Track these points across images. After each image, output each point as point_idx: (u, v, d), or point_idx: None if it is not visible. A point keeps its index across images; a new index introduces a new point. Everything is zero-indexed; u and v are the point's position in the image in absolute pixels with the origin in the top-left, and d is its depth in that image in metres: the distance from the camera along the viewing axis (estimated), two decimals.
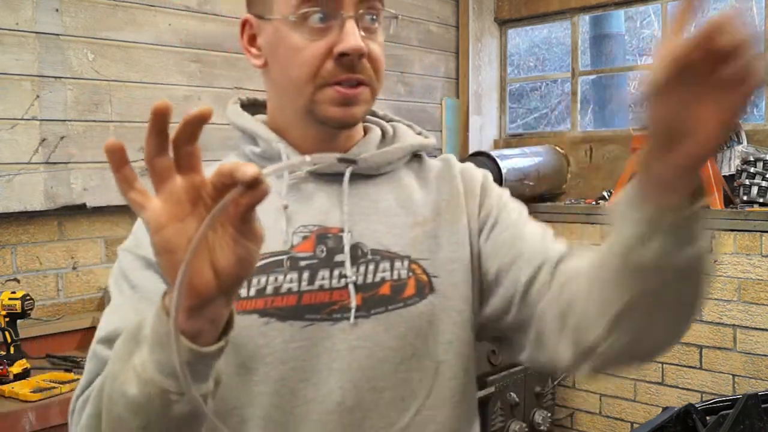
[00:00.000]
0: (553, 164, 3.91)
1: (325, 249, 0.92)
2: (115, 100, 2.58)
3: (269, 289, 0.90)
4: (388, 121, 1.07)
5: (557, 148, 4.02)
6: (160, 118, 0.58)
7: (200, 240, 0.58)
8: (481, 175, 1.04)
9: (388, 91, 3.60)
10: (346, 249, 0.92)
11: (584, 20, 4.37)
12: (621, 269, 0.76)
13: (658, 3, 3.75)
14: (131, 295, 0.89)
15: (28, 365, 2.08)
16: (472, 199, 1.00)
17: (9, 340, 2.07)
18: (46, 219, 2.45)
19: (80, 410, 0.81)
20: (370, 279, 0.92)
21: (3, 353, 2.08)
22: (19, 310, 2.05)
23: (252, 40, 0.96)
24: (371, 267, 0.93)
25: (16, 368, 2.04)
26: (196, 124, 0.59)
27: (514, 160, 3.70)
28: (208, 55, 2.87)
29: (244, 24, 0.96)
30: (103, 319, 0.89)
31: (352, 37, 0.86)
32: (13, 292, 2.07)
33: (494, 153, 3.66)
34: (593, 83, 5.17)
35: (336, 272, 0.91)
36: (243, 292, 0.90)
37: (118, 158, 0.59)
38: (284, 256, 0.91)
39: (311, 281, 0.91)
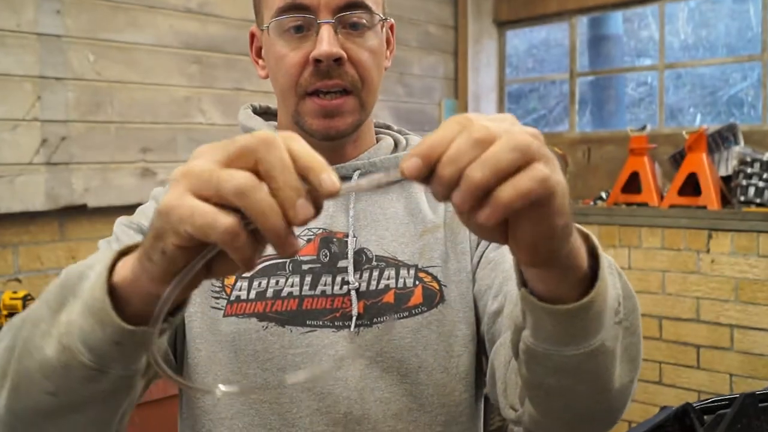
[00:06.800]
0: None
1: (328, 253, 0.90)
2: (116, 101, 2.58)
3: (270, 292, 0.87)
4: (402, 135, 1.05)
5: (555, 148, 4.03)
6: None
7: (186, 275, 0.50)
8: None
9: (387, 92, 3.61)
10: (350, 255, 0.89)
11: (582, 22, 4.38)
12: (516, 349, 0.67)
13: (656, 4, 3.76)
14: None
15: None
16: None
17: None
18: (47, 219, 2.45)
19: (3, 336, 0.68)
20: (373, 286, 0.89)
21: None
22: (20, 310, 2.06)
23: (259, 51, 0.97)
24: (375, 273, 0.89)
25: None
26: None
27: None
28: (209, 56, 2.87)
29: (252, 37, 0.97)
30: None
31: (324, 42, 0.84)
32: (15, 292, 2.09)
33: None
34: (591, 84, 5.17)
35: (339, 278, 0.88)
36: (242, 294, 0.87)
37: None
38: (286, 259, 0.88)
39: (313, 286, 0.88)
